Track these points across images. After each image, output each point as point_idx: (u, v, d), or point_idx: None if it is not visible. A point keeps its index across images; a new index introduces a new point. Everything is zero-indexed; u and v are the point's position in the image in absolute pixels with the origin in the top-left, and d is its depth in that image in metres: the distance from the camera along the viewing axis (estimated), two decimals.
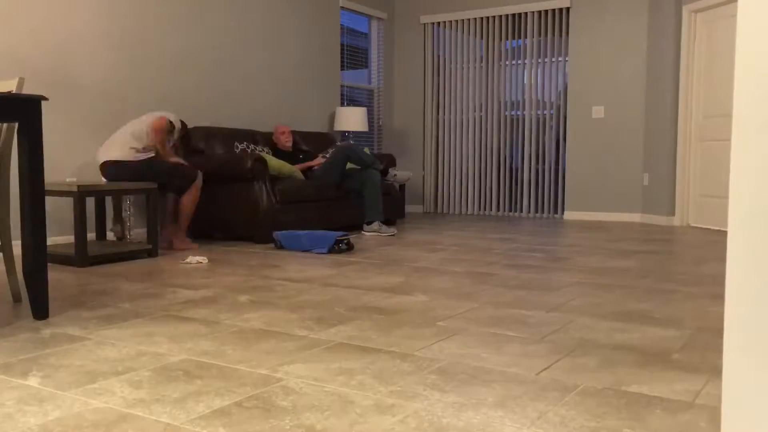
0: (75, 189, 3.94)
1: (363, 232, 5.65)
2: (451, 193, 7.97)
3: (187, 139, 4.95)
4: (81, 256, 3.92)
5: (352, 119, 6.92)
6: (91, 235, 4.77)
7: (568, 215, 7.26)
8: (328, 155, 5.81)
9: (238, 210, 5.07)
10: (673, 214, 6.49)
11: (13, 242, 4.25)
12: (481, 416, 1.66)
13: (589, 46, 7.05)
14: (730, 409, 1.10)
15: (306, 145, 6.32)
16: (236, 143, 5.46)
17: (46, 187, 4.09)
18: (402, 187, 7.48)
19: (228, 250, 4.65)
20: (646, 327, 2.56)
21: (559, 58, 7.27)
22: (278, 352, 2.21)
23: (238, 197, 5.05)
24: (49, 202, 4.59)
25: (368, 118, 7.73)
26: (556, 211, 7.40)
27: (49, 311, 2.69)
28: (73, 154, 4.72)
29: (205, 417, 1.66)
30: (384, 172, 5.79)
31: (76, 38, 4.72)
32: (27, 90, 4.41)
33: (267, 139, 5.92)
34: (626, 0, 6.82)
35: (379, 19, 7.92)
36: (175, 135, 4.66)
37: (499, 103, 7.64)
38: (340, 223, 5.73)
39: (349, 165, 5.69)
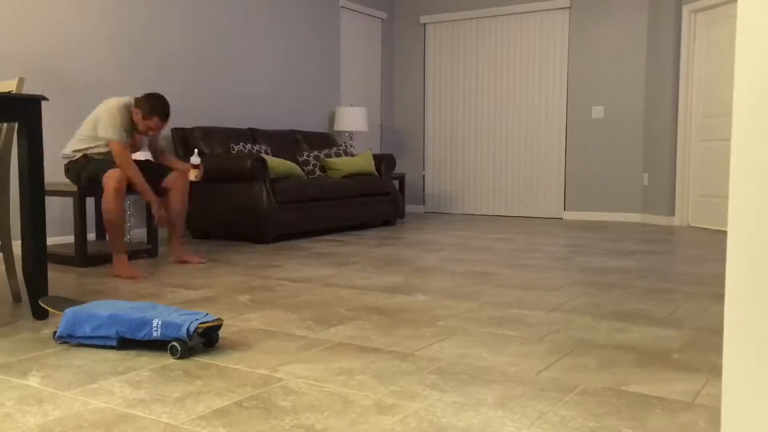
0: (75, 189, 3.94)
1: None
2: (451, 193, 7.97)
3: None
4: (81, 256, 3.92)
5: (352, 119, 6.92)
6: (91, 235, 4.76)
7: (568, 215, 7.26)
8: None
9: (238, 210, 5.07)
10: (673, 214, 6.49)
11: (13, 242, 4.25)
12: (481, 416, 1.66)
13: (589, 47, 7.05)
14: (730, 409, 1.10)
15: (307, 144, 6.32)
16: (233, 144, 5.45)
17: (46, 187, 4.09)
18: (402, 186, 7.48)
19: (228, 250, 4.65)
20: (646, 327, 2.56)
21: (559, 58, 7.26)
22: (278, 352, 2.21)
23: (238, 197, 5.05)
24: (49, 202, 4.59)
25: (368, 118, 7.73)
26: (556, 211, 7.39)
27: (49, 311, 2.69)
28: None
29: (205, 417, 1.66)
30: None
31: (76, 38, 4.72)
32: (27, 90, 4.41)
33: (267, 139, 5.92)
34: (626, 0, 6.82)
35: (379, 19, 7.92)
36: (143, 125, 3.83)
37: (499, 103, 7.63)
38: (340, 224, 5.73)
39: None
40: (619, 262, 4.17)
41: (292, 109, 6.69)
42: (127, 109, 3.76)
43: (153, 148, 4.07)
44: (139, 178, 3.72)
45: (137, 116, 3.74)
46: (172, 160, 4.06)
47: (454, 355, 2.17)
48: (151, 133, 3.82)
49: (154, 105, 3.72)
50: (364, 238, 5.36)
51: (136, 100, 3.77)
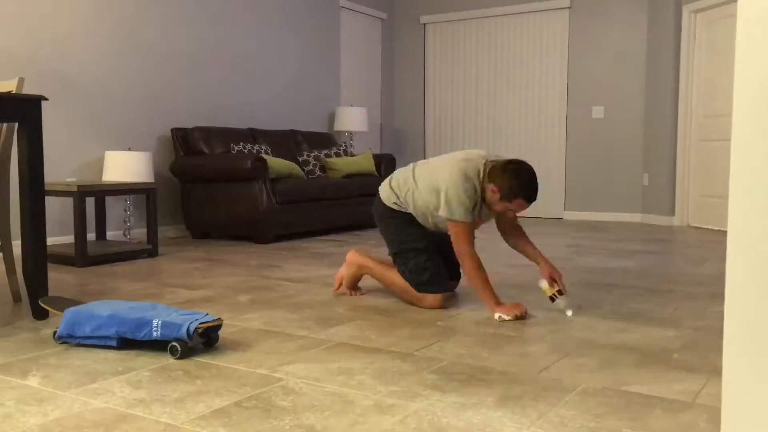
0: (75, 189, 3.94)
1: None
2: None
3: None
4: (81, 256, 3.92)
5: (352, 119, 6.92)
6: (91, 235, 4.76)
7: (568, 215, 7.26)
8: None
9: (238, 210, 5.07)
10: (673, 214, 6.49)
11: (13, 242, 4.25)
12: (481, 416, 1.66)
13: (589, 47, 7.05)
14: (730, 409, 1.10)
15: (307, 144, 6.32)
16: (233, 144, 5.44)
17: (46, 187, 4.09)
18: None
19: (228, 250, 4.65)
20: (646, 327, 2.56)
21: (559, 58, 7.26)
22: (278, 352, 2.21)
23: (238, 197, 5.05)
24: (49, 202, 4.59)
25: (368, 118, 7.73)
26: (556, 211, 7.39)
27: (49, 311, 2.69)
28: (73, 154, 4.72)
29: (205, 417, 1.66)
30: None
31: (76, 38, 4.72)
32: (27, 90, 4.41)
33: (267, 139, 5.92)
34: (626, 0, 6.82)
35: (379, 19, 7.92)
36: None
37: (499, 102, 7.64)
38: (340, 224, 5.73)
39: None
40: (619, 262, 4.17)
41: (292, 109, 6.69)
42: (474, 181, 2.78)
43: (503, 225, 3.04)
44: (481, 283, 2.76)
45: (493, 195, 2.75)
46: (529, 249, 2.97)
47: (454, 355, 2.17)
48: (510, 214, 2.88)
49: (518, 185, 2.70)
50: (364, 238, 5.36)
51: (492, 171, 2.76)
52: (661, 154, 6.54)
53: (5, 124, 2.86)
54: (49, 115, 4.56)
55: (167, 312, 2.25)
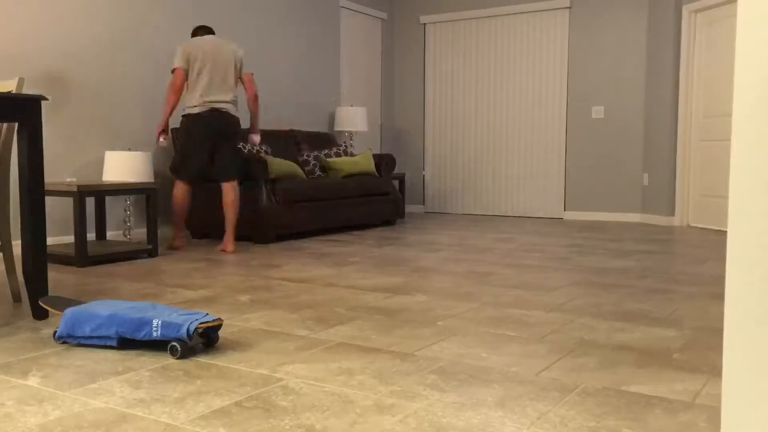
0: (75, 189, 3.94)
1: None
2: (451, 193, 7.97)
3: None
4: (81, 256, 3.92)
5: (352, 119, 6.92)
6: (91, 235, 4.77)
7: (568, 215, 7.26)
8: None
9: (238, 210, 5.06)
10: (673, 214, 6.49)
11: (13, 242, 4.25)
12: (481, 416, 1.66)
13: (589, 46, 7.05)
14: (730, 409, 1.10)
15: (307, 144, 6.32)
16: None
17: (46, 187, 4.09)
18: (402, 186, 7.48)
19: None
20: (646, 327, 2.56)
21: (559, 58, 7.26)
22: (278, 352, 2.21)
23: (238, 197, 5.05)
24: (49, 202, 4.59)
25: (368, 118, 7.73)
26: (556, 212, 7.40)
27: (49, 311, 2.69)
28: (73, 154, 4.72)
29: (205, 417, 1.66)
30: None
31: (76, 38, 4.72)
32: (27, 90, 4.41)
33: (267, 139, 5.91)
34: (626, 0, 6.82)
35: (379, 19, 7.92)
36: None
37: (499, 102, 7.64)
38: (340, 224, 5.73)
39: None
40: (619, 262, 4.17)
41: (292, 109, 6.69)
42: None
43: None
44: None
45: None
46: None
47: (454, 355, 2.17)
48: None
49: None
50: (364, 238, 5.36)
51: None
52: (661, 154, 6.54)
53: (5, 124, 2.86)
54: (49, 115, 4.57)
55: (167, 312, 2.26)
